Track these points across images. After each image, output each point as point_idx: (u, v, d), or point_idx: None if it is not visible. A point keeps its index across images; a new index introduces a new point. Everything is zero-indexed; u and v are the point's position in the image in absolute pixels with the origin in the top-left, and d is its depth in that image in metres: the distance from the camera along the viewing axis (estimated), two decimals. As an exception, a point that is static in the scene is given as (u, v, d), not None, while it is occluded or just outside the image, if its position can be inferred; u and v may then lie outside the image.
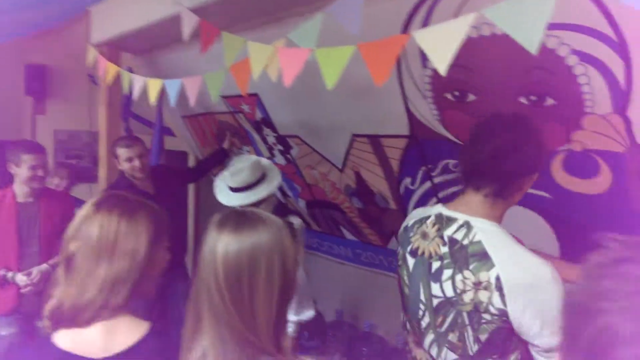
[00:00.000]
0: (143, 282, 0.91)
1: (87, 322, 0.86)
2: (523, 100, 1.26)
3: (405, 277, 1.18)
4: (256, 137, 2.28)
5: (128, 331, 0.89)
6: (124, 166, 2.16)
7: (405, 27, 1.35)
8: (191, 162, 3.26)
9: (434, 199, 1.80)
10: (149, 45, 2.27)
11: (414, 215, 1.22)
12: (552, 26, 1.06)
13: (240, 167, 1.86)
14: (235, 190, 1.86)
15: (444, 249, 1.07)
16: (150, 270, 0.92)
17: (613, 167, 1.24)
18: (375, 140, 1.80)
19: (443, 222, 1.10)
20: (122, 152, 2.15)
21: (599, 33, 1.03)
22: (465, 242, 1.03)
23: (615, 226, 1.36)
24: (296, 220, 1.94)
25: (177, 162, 3.25)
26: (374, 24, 1.24)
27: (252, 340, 0.79)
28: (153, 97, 1.68)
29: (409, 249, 1.17)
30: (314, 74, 1.15)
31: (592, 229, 1.42)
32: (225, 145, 2.52)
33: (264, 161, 2.01)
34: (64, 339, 0.86)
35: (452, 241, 1.06)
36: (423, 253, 1.12)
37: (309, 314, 1.88)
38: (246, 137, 2.39)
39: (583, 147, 1.25)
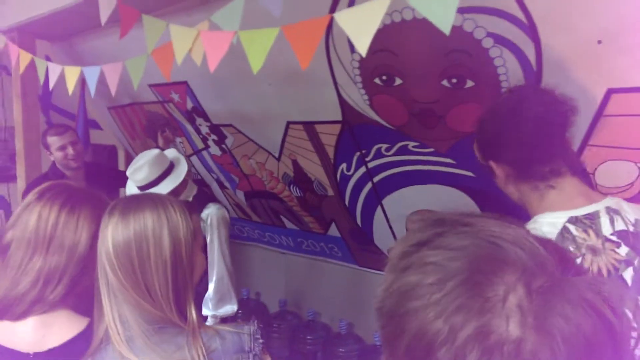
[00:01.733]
0: (84, 277, 0.88)
1: (20, 316, 0.83)
2: (445, 83, 1.30)
3: None
4: (189, 127, 2.21)
5: (64, 327, 0.86)
6: (57, 156, 2.10)
7: (333, 9, 1.35)
8: (121, 157, 3.10)
9: (370, 184, 1.83)
10: (66, 31, 2.12)
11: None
12: (468, 9, 1.10)
13: (140, 164, 1.80)
14: (140, 188, 1.80)
15: (623, 250, 0.89)
16: (94, 266, 0.88)
17: (529, 145, 1.32)
18: (309, 127, 1.80)
19: (583, 222, 0.92)
20: (54, 140, 2.09)
21: (510, 15, 1.08)
22: (631, 227, 0.90)
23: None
24: (214, 210, 1.87)
25: (106, 157, 3.09)
26: (301, 6, 1.23)
27: (154, 313, 0.83)
28: (71, 86, 1.57)
29: None
30: (241, 59, 1.13)
31: (513, 203, 1.50)
32: (160, 143, 2.43)
33: (171, 152, 1.97)
34: None
35: (623, 234, 0.90)
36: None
37: (228, 308, 1.84)
38: (178, 128, 2.31)
39: (501, 126, 1.31)
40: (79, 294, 0.89)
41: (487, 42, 1.15)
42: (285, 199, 2.25)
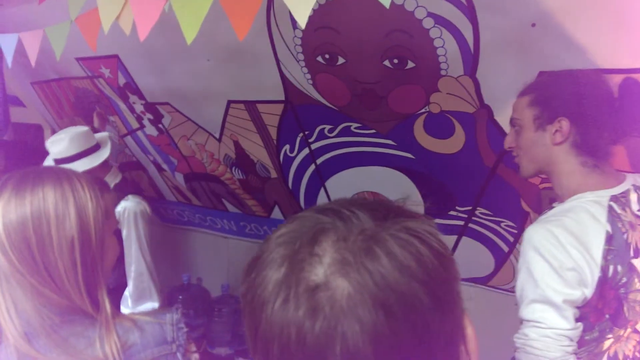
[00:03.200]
0: None
1: None
2: (387, 63, 1.30)
3: None
4: (122, 105, 2.08)
5: None
6: None
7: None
8: (48, 137, 2.88)
9: (313, 166, 1.82)
10: (-21, -5, 1.91)
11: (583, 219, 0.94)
12: (409, -13, 1.09)
13: (61, 137, 1.70)
14: (56, 161, 1.70)
15: None
16: None
17: (466, 127, 1.36)
18: (251, 107, 1.74)
19: (621, 200, 0.96)
20: None
21: (450, -5, 1.09)
22: None
23: (469, 182, 1.50)
24: (133, 203, 1.74)
25: (31, 137, 2.85)
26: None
27: (60, 301, 0.74)
28: (-18, 55, 1.41)
29: (631, 253, 0.94)
30: (179, 31, 1.05)
31: (450, 185, 1.55)
32: (95, 124, 2.28)
33: (102, 134, 1.88)
34: None
35: None
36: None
37: (149, 305, 1.77)
38: (110, 106, 2.17)
39: (440, 108, 1.34)
40: None
41: (428, 23, 1.15)
42: (227, 182, 2.18)
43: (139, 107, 2.02)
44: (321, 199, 1.90)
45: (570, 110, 0.97)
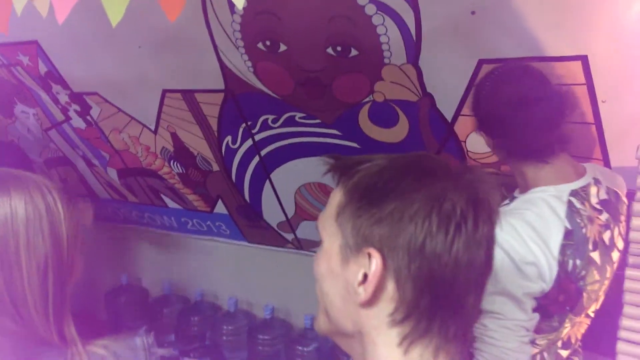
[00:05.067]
0: None
1: None
2: (330, 51, 1.27)
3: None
4: (44, 96, 1.90)
5: None
6: None
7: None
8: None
9: (257, 158, 1.76)
10: None
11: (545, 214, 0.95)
12: (351, -28, 1.06)
13: None
14: None
15: (604, 216, 0.98)
16: None
17: (409, 116, 1.36)
18: (189, 96, 1.65)
19: (581, 195, 0.97)
20: None
21: (391, -19, 1.07)
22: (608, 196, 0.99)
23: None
24: None
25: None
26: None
27: (25, 334, 0.64)
28: None
29: (590, 246, 0.96)
30: (106, 16, 0.96)
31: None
32: None
33: None
34: None
35: (604, 202, 0.98)
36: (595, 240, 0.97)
37: None
38: (31, 97, 1.98)
39: (384, 97, 1.33)
40: None
41: (370, 9, 1.13)
42: (166, 176, 2.08)
43: (63, 98, 1.86)
44: (267, 192, 1.85)
45: (480, 120, 1.02)
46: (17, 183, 0.66)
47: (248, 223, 2.09)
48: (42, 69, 1.76)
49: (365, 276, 0.50)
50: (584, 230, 0.95)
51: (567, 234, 0.93)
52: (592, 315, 1.05)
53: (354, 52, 1.25)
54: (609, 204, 1.01)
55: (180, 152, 1.91)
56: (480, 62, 1.13)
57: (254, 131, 1.67)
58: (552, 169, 0.98)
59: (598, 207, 0.99)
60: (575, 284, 0.95)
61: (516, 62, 1.02)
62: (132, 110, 1.81)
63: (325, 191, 1.70)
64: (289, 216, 1.89)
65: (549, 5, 0.97)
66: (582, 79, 1.06)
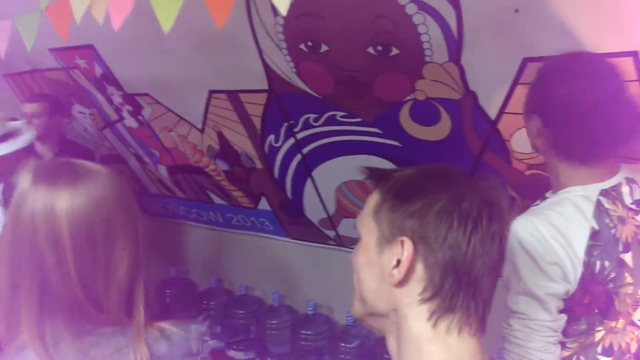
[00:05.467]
0: None
1: None
2: (371, 50, 1.27)
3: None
4: (99, 97, 2.02)
5: None
6: None
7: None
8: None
9: (299, 156, 1.79)
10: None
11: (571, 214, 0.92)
12: (392, -28, 1.07)
13: None
14: None
15: None
16: None
17: (451, 113, 1.35)
18: (234, 97, 1.71)
19: (611, 194, 0.94)
20: (24, 106, 2.10)
21: (432, -20, 1.07)
22: None
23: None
24: None
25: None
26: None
27: (90, 313, 0.69)
28: (-51, 47, 1.35)
29: (620, 248, 0.93)
30: (156, 20, 1.02)
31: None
32: None
33: (14, 123, 1.93)
34: None
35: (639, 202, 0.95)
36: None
37: None
38: (87, 98, 2.11)
39: (426, 95, 1.32)
40: None
41: (411, 9, 1.13)
42: (212, 173, 2.15)
43: (117, 99, 1.97)
44: (308, 189, 1.89)
45: (544, 108, 0.94)
46: (99, 173, 0.72)
47: (290, 220, 2.13)
48: (98, 71, 1.87)
49: (398, 262, 0.59)
50: (613, 230, 0.91)
51: (594, 235, 0.90)
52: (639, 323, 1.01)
53: (394, 51, 1.26)
54: None
55: (226, 150, 1.97)
56: (525, 61, 1.11)
57: (295, 130, 1.70)
58: (587, 170, 0.95)
59: (634, 207, 0.95)
60: (603, 285, 0.91)
61: (602, 58, 0.96)
62: (181, 110, 1.89)
63: (366, 189, 1.71)
64: (330, 213, 1.92)
65: (596, 1, 0.94)
66: (634, 75, 1.02)
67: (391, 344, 0.63)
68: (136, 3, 1.00)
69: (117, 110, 2.04)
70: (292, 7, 1.19)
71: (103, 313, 0.70)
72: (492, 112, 1.28)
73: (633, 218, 0.94)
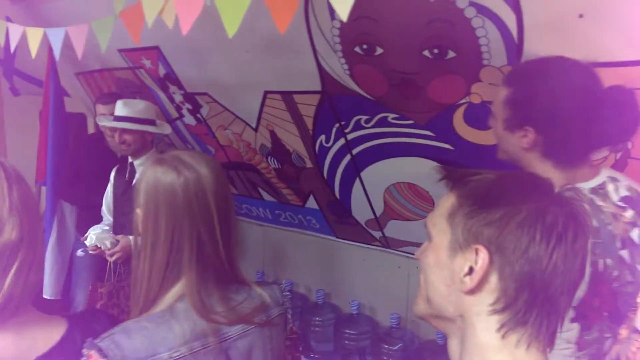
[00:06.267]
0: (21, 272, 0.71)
1: None
2: (427, 53, 1.28)
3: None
4: (162, 95, 2.13)
5: (45, 330, 0.74)
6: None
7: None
8: (91, 125, 3.00)
9: (348, 156, 1.82)
10: (29, -11, 1.99)
11: None
12: (451, -24, 1.07)
13: (137, 101, 1.92)
14: (128, 119, 1.86)
15: (629, 213, 0.94)
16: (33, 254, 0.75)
17: (507, 118, 1.32)
18: (288, 97, 1.75)
19: (600, 192, 0.95)
20: (98, 108, 2.17)
21: (493, -16, 1.06)
22: (629, 192, 0.97)
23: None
24: None
25: (75, 126, 2.97)
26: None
27: (230, 273, 0.86)
28: (34, 49, 1.48)
29: (618, 244, 0.94)
30: (219, 23, 1.07)
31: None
32: None
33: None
34: None
35: (627, 199, 0.96)
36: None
37: None
38: (151, 96, 2.23)
39: (481, 99, 1.31)
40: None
41: (470, 12, 1.13)
42: (263, 171, 2.22)
43: (178, 97, 2.07)
44: (356, 190, 1.90)
45: (539, 118, 0.94)
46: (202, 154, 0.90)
47: (337, 219, 2.16)
48: (162, 71, 1.97)
49: (471, 269, 0.57)
50: (609, 227, 0.91)
51: (594, 232, 0.90)
52: None
53: (451, 54, 1.25)
54: (633, 201, 0.95)
55: (278, 149, 2.02)
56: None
57: (346, 131, 1.72)
58: (575, 170, 0.96)
59: (621, 204, 0.94)
60: (608, 285, 0.90)
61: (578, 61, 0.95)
62: (237, 109, 1.96)
63: (416, 192, 1.70)
64: (378, 214, 1.93)
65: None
66: None
67: (453, 348, 0.63)
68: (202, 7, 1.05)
69: (178, 108, 2.14)
70: (350, 11, 1.21)
71: (234, 271, 0.87)
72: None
73: (621, 215, 0.94)
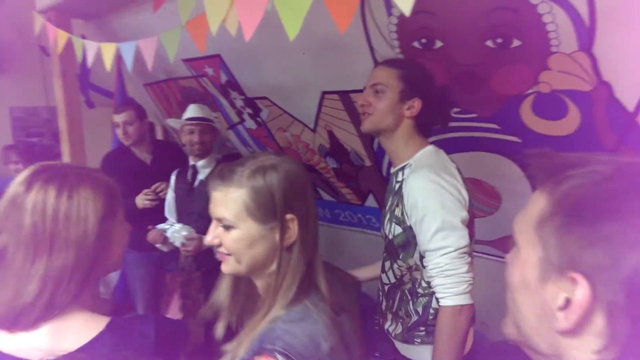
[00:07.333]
0: (98, 269, 0.75)
1: (31, 325, 0.71)
2: (489, 43, 1.23)
3: None
4: (224, 101, 2.21)
5: (80, 329, 0.73)
6: (117, 131, 2.21)
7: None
8: (159, 134, 3.16)
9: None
10: (100, 8, 2.13)
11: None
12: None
13: (203, 106, 2.01)
14: (198, 119, 1.94)
15: None
16: (107, 254, 0.77)
17: (581, 106, 1.25)
18: (345, 97, 1.76)
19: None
20: (113, 117, 2.22)
21: (562, -33, 1.00)
22: None
23: (584, 166, 1.38)
24: None
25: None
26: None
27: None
28: (108, 62, 1.59)
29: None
30: (276, 29, 1.10)
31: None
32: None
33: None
34: (2, 339, 0.72)
35: None
36: None
37: None
38: (213, 102, 2.32)
39: (551, 87, 1.24)
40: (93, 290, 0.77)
41: (536, -3, 1.08)
42: (322, 171, 2.24)
43: (239, 103, 2.14)
44: (417, 187, 1.87)
45: (423, 95, 1.17)
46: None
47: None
48: (223, 78, 2.05)
49: (568, 301, 0.42)
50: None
51: (459, 170, 1.26)
52: None
53: (516, 43, 1.20)
54: None
55: (336, 149, 2.03)
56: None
57: (406, 127, 1.70)
58: (425, 135, 1.25)
59: None
60: (471, 211, 1.19)
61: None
62: (295, 112, 1.99)
63: (481, 188, 1.65)
64: (440, 212, 1.88)
65: None
66: None
67: None
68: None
69: (239, 113, 2.21)
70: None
71: None
72: (630, 104, 1.16)
73: None
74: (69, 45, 1.84)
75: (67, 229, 0.71)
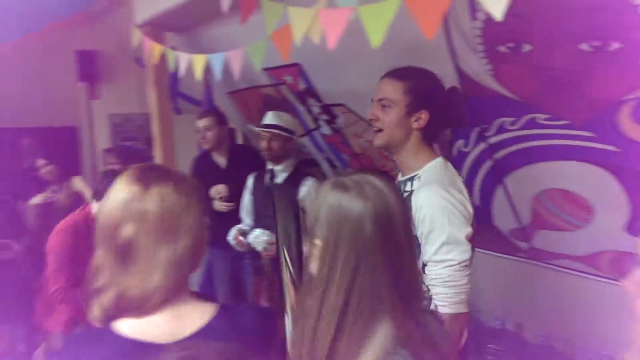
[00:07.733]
0: (195, 259, 0.82)
1: (155, 309, 0.78)
2: (584, 46, 1.16)
3: None
4: (301, 108, 2.27)
5: (196, 314, 0.80)
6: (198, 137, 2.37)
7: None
8: (240, 139, 3.31)
9: (489, 162, 1.73)
10: (190, 22, 2.29)
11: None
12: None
13: (283, 113, 2.08)
14: (269, 126, 2.01)
15: None
16: (200, 247, 0.83)
17: (690, 112, 1.14)
18: (423, 103, 1.73)
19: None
20: (196, 122, 2.36)
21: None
22: None
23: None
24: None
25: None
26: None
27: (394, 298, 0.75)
28: (199, 72, 1.70)
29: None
30: (356, 37, 1.12)
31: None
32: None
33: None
34: (128, 326, 0.78)
35: None
36: None
37: None
38: (291, 109, 2.39)
39: (655, 93, 1.14)
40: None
41: (641, -4, 1.00)
42: (395, 177, 2.21)
43: (316, 110, 2.19)
44: (499, 196, 1.80)
45: (430, 106, 1.20)
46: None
47: (476, 227, 2.05)
48: (301, 85, 2.11)
49: None
50: None
51: (466, 185, 1.28)
52: None
53: (614, 45, 1.12)
54: None
55: (411, 155, 2.00)
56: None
57: (488, 134, 1.64)
58: (433, 147, 1.29)
59: None
60: (474, 225, 1.23)
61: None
62: (371, 118, 1.99)
63: (572, 200, 1.54)
64: (524, 224, 1.79)
65: None
66: None
67: None
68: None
69: (315, 119, 2.26)
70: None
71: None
72: None
73: None
74: (162, 57, 2.00)
75: (186, 218, 0.80)
